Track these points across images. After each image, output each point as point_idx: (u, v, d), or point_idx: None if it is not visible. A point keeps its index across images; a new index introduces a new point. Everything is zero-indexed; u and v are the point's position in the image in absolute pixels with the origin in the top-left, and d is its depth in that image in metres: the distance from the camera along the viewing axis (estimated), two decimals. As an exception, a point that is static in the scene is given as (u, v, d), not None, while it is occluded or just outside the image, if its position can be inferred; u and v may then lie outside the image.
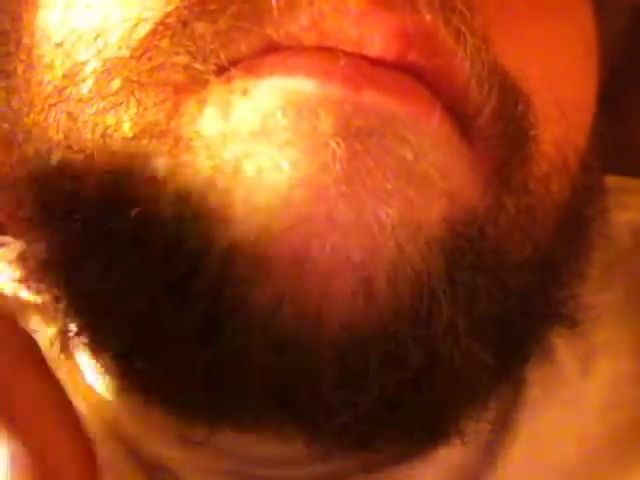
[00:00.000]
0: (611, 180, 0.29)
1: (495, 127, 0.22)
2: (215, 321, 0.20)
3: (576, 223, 0.26)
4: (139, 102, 0.20)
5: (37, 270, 0.25)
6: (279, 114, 0.19)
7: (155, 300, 0.21)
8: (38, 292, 0.27)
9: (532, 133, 0.22)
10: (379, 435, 0.23)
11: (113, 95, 0.21)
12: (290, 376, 0.21)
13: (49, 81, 0.22)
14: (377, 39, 0.20)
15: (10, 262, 0.29)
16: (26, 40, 0.24)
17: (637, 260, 0.31)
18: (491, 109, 0.21)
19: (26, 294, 0.29)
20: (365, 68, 0.20)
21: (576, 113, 0.24)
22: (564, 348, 0.29)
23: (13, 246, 0.29)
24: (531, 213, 0.23)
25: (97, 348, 0.25)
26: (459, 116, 0.21)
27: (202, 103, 0.20)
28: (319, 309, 0.20)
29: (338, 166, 0.19)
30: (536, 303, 0.24)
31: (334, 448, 0.24)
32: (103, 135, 0.21)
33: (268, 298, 0.20)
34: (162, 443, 0.27)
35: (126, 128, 0.21)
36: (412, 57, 0.20)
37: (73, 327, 0.25)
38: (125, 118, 0.21)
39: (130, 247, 0.21)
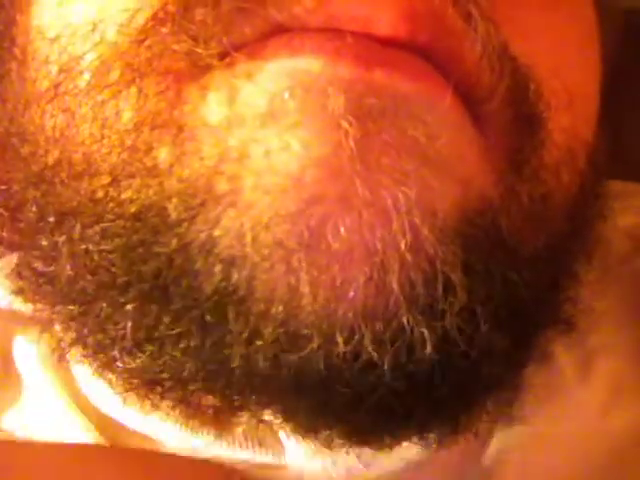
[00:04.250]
0: (609, 184, 0.29)
1: (506, 112, 0.21)
2: (225, 310, 0.19)
3: (582, 221, 0.25)
4: (140, 91, 0.20)
5: (33, 281, 0.24)
6: (286, 95, 0.19)
7: (161, 291, 0.20)
8: (34, 303, 0.26)
9: (544, 119, 0.22)
10: (388, 428, 0.22)
11: (112, 85, 0.20)
12: (302, 370, 0.20)
13: (44, 77, 0.22)
14: (385, 19, 0.19)
15: (6, 274, 0.28)
16: (20, 39, 0.23)
17: (635, 264, 0.31)
18: (502, 93, 0.21)
19: (22, 306, 0.28)
20: (375, 48, 0.19)
21: (584, 104, 0.24)
22: (563, 353, 0.28)
23: (9, 258, 0.28)
24: (543, 204, 0.22)
25: (94, 360, 0.24)
26: (470, 101, 0.21)
27: (205, 90, 0.20)
28: (333, 297, 0.19)
29: (352, 145, 0.18)
30: (544, 301, 0.24)
31: (340, 440, 0.23)
32: (102, 127, 0.20)
33: (282, 284, 0.19)
34: None
35: (126, 119, 0.20)
36: (422, 38, 0.20)
37: (69, 339, 0.24)
38: (125, 108, 0.20)
39: (132, 245, 0.20)
